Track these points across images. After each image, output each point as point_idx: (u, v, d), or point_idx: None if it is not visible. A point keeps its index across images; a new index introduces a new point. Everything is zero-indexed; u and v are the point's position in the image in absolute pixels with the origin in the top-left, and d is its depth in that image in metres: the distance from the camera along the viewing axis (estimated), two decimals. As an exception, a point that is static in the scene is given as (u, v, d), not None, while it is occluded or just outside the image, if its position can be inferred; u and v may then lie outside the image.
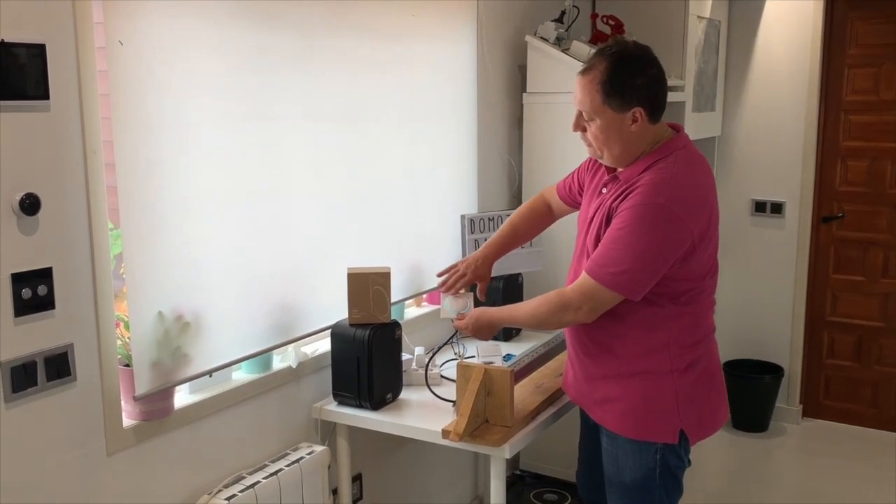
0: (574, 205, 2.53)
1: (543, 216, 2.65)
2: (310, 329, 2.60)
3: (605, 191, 2.23)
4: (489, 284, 2.61)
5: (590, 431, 2.45)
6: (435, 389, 2.63)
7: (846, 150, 4.42)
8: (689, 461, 2.26)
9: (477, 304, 2.54)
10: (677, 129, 2.23)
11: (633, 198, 2.07)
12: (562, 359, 2.78)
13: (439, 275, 2.61)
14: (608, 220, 2.13)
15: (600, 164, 2.32)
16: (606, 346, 2.23)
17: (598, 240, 2.15)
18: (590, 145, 2.22)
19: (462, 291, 2.53)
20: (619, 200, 2.12)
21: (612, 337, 2.21)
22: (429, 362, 2.70)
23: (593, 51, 2.48)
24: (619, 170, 2.20)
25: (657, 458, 2.20)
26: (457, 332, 2.57)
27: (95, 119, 1.90)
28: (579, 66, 2.23)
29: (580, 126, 2.20)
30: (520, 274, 3.29)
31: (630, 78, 2.09)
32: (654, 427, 2.20)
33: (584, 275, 2.12)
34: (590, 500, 2.56)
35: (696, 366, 2.22)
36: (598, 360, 2.27)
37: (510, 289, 3.17)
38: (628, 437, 2.22)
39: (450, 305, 2.51)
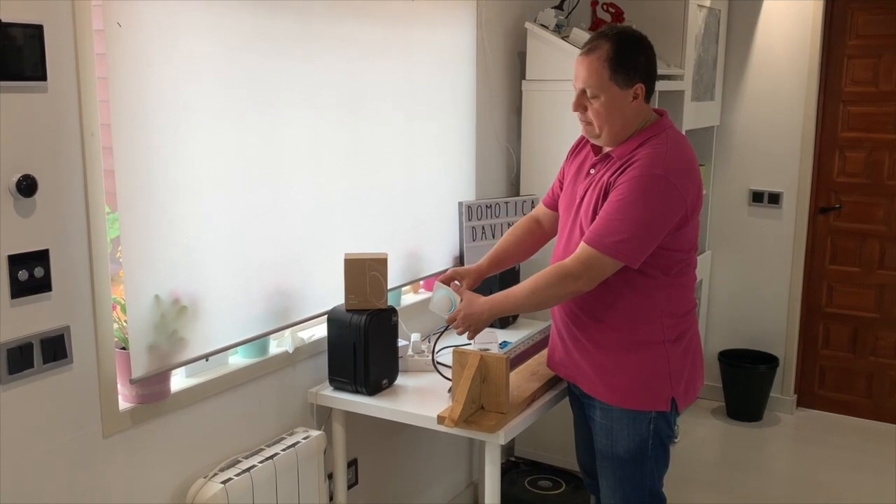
0: None
1: (532, 231, 2.64)
2: (306, 314, 2.60)
3: (593, 171, 2.30)
4: (474, 286, 2.54)
5: (580, 409, 2.49)
6: (430, 376, 2.64)
7: (844, 141, 4.42)
8: (677, 433, 2.32)
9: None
10: (661, 113, 2.33)
11: (632, 170, 2.15)
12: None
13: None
14: (605, 195, 2.19)
15: (581, 151, 2.42)
16: (599, 317, 2.29)
17: (594, 215, 2.21)
18: (589, 123, 2.27)
19: (456, 284, 2.46)
20: (616, 175, 2.19)
21: (605, 308, 2.27)
22: (435, 343, 2.72)
23: (592, 37, 2.49)
24: (606, 149, 2.29)
25: (650, 427, 2.29)
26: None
27: (93, 101, 1.89)
28: (579, 53, 2.26)
29: (581, 106, 2.26)
30: (517, 261, 3.29)
31: (633, 55, 2.21)
32: (648, 396, 2.28)
33: (582, 245, 2.18)
34: (594, 476, 2.56)
35: (685, 337, 2.31)
36: (590, 332, 2.32)
37: (507, 276, 3.17)
38: (623, 407, 2.29)
39: (438, 301, 2.42)
